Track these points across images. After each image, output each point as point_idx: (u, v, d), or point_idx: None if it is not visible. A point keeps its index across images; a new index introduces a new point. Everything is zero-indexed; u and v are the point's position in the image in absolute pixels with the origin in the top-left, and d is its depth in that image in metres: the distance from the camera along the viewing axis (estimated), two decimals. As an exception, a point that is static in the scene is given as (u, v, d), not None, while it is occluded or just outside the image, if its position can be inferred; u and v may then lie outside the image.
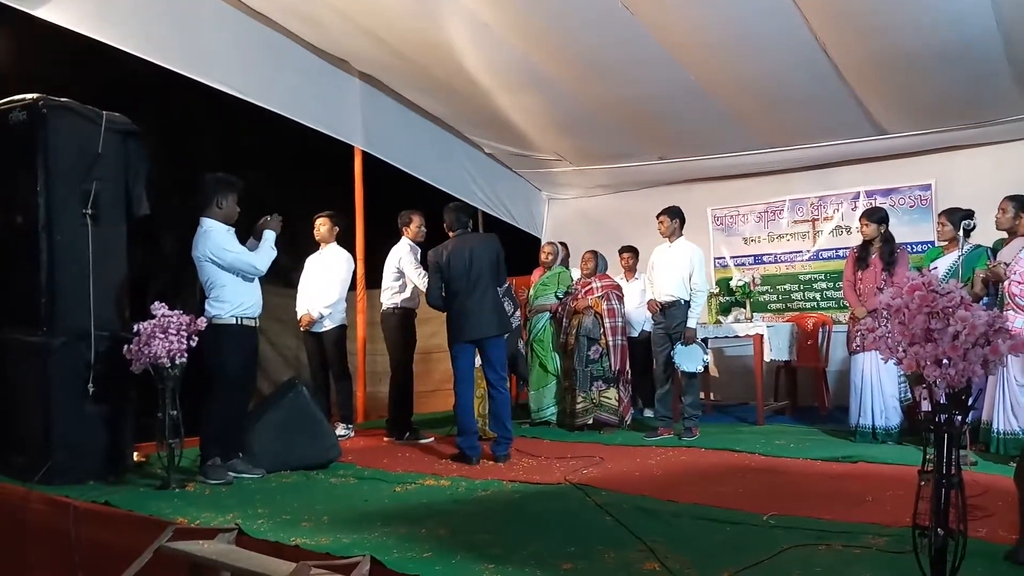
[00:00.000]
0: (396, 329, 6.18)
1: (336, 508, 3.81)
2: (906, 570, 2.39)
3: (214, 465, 4.53)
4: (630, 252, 7.46)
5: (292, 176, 8.93)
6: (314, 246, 6.55)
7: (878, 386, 5.31)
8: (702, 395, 6.72)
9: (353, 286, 6.87)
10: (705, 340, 6.70)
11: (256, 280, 4.78)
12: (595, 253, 6.73)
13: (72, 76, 6.15)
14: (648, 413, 7.15)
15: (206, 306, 4.59)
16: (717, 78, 6.23)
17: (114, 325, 4.69)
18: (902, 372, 5.06)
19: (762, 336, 6.65)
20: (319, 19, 5.94)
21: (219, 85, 5.68)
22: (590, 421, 6.32)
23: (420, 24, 5.79)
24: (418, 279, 6.02)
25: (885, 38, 5.37)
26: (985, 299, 4.90)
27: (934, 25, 5.16)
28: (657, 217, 6.06)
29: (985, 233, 5.22)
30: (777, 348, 6.81)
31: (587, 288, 6.54)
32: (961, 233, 4.91)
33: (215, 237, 4.60)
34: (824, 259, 7.87)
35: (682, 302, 5.85)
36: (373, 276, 7.00)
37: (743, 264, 8.28)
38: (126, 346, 4.36)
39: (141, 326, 4.31)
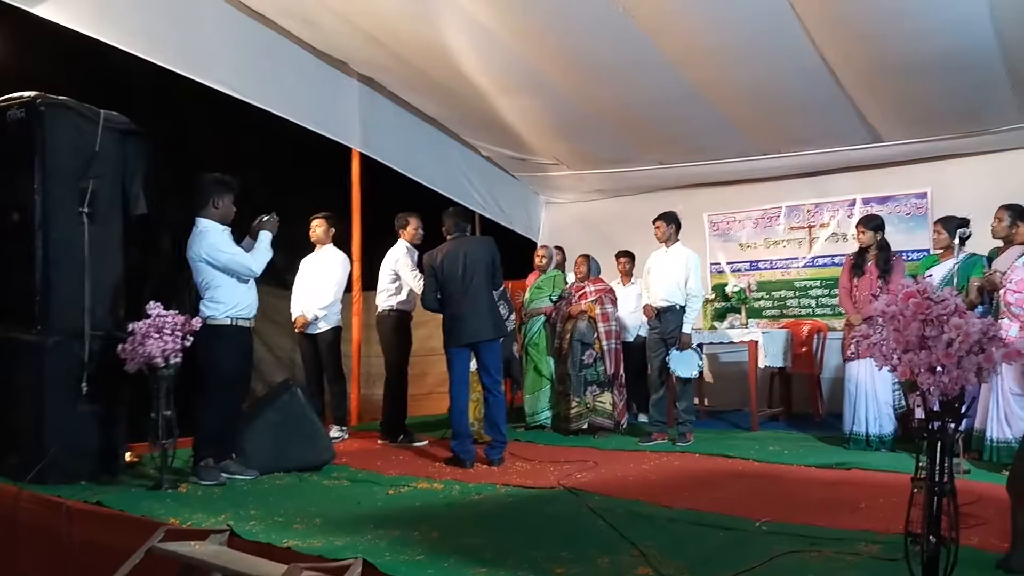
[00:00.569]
0: (392, 332, 6.17)
1: (329, 510, 3.81)
2: (898, 577, 2.39)
3: (207, 466, 4.52)
4: (627, 257, 7.46)
5: (289, 177, 8.92)
6: (310, 247, 6.54)
7: (872, 393, 5.32)
8: (696, 401, 6.72)
9: (349, 288, 6.87)
10: (700, 346, 6.71)
11: (251, 281, 4.77)
12: (587, 257, 6.74)
13: (70, 74, 6.14)
14: (643, 418, 7.15)
15: (201, 306, 4.58)
16: (715, 84, 6.25)
17: (108, 324, 4.67)
18: (896, 380, 5.07)
19: (757, 342, 6.66)
20: (318, 20, 5.94)
21: (217, 85, 5.69)
22: (585, 426, 6.32)
23: (419, 26, 5.80)
24: (414, 282, 6.02)
25: (883, 46, 5.39)
26: (980, 307, 4.91)
27: (931, 33, 5.18)
28: (653, 222, 6.08)
29: (981, 242, 5.23)
30: (772, 354, 6.82)
31: (580, 292, 6.55)
32: (957, 241, 4.93)
33: (210, 238, 4.59)
34: (820, 266, 7.89)
35: (677, 307, 5.86)
36: (369, 278, 7.00)
37: (739, 270, 8.29)
38: (120, 345, 4.35)
39: (136, 326, 4.30)
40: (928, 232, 6.71)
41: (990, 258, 5.16)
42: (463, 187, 8.24)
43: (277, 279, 7.64)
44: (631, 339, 7.06)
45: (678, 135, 7.28)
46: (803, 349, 7.42)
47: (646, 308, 6.06)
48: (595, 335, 6.36)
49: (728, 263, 8.38)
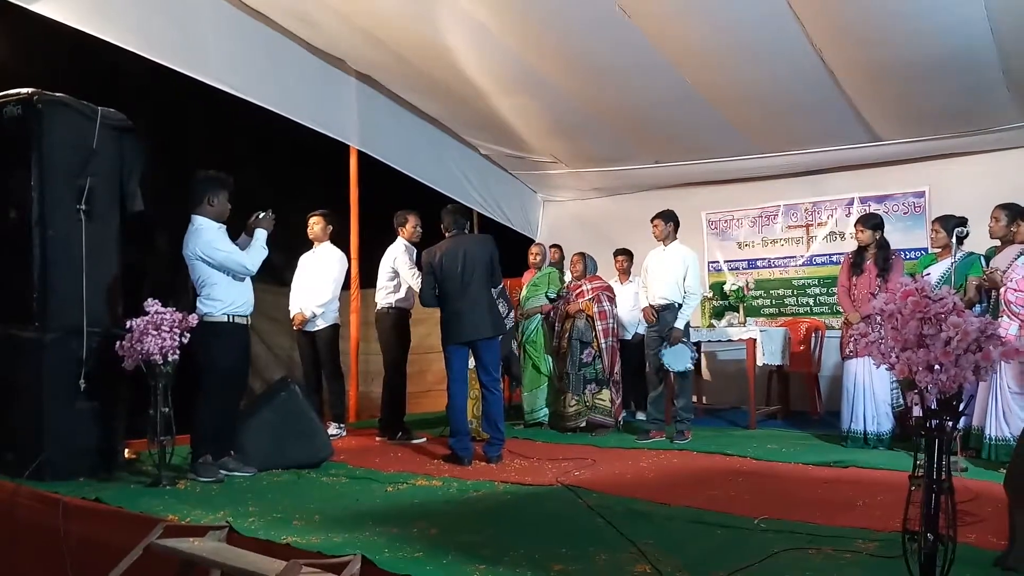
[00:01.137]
0: (391, 329, 6.17)
1: (327, 507, 3.81)
2: (896, 575, 2.39)
3: (205, 463, 4.51)
4: (624, 255, 7.46)
5: (287, 174, 8.90)
6: (308, 245, 6.54)
7: (870, 392, 5.33)
8: (694, 399, 6.73)
9: (347, 285, 6.87)
10: (697, 344, 6.73)
11: (248, 278, 4.76)
12: (583, 255, 6.74)
13: (67, 71, 6.12)
14: (640, 416, 7.15)
15: (198, 304, 4.58)
16: (713, 83, 6.25)
17: (107, 321, 4.67)
18: (894, 378, 5.07)
19: (755, 340, 6.67)
20: (316, 18, 5.94)
21: (215, 83, 5.68)
22: (583, 424, 6.33)
23: (417, 25, 5.79)
24: (412, 280, 6.02)
25: (881, 46, 5.40)
26: (978, 306, 4.92)
27: (929, 34, 5.19)
28: (651, 221, 6.08)
29: (978, 241, 5.24)
30: (770, 353, 6.83)
31: (577, 291, 6.55)
32: (954, 240, 4.94)
33: (206, 235, 4.58)
34: (818, 264, 7.90)
35: (676, 305, 5.86)
36: (367, 276, 6.99)
37: (737, 268, 8.30)
38: (118, 343, 4.35)
39: (134, 323, 4.30)
40: (926, 231, 6.73)
41: (987, 257, 5.17)
42: (461, 185, 8.24)
43: (275, 277, 7.63)
44: (629, 337, 7.06)
45: (676, 134, 7.28)
46: (801, 347, 7.43)
47: (645, 311, 6.05)
48: (593, 334, 6.36)
49: (726, 262, 8.39)
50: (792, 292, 8.05)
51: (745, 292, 7.46)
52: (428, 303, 5.33)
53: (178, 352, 4.35)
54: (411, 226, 6.28)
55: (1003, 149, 6.77)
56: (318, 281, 6.28)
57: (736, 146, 7.36)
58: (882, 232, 5.53)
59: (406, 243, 6.24)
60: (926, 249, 6.55)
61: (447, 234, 5.38)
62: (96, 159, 4.67)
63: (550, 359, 6.76)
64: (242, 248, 4.73)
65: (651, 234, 6.12)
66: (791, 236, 8.06)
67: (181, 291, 4.93)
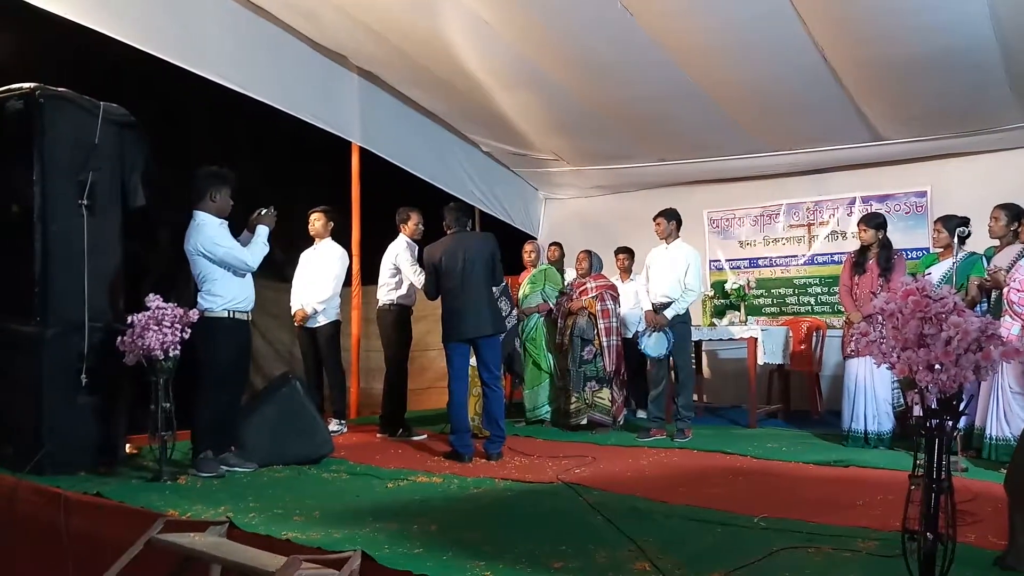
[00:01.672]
0: (392, 326, 6.18)
1: (328, 503, 3.81)
2: (895, 574, 2.40)
3: (206, 458, 4.52)
4: (626, 253, 7.47)
5: (288, 170, 8.91)
6: (309, 241, 6.54)
7: (871, 391, 5.32)
8: (695, 397, 6.73)
9: (348, 282, 6.87)
10: (698, 342, 6.73)
11: (249, 275, 4.76)
12: (589, 253, 6.74)
13: (70, 66, 6.12)
14: (641, 414, 7.15)
15: (198, 299, 4.59)
16: (716, 82, 6.24)
17: (108, 316, 4.68)
18: (895, 378, 5.07)
19: (756, 339, 6.67)
20: (318, 14, 5.94)
21: (217, 78, 5.68)
22: (584, 421, 6.33)
23: (419, 21, 5.79)
24: (414, 276, 6.02)
25: (883, 45, 5.39)
26: (979, 306, 4.92)
27: (932, 33, 5.18)
28: (654, 219, 6.07)
29: (980, 241, 5.24)
30: (771, 351, 6.83)
31: (582, 289, 6.55)
32: (956, 240, 4.94)
33: (207, 231, 4.58)
34: (819, 264, 7.90)
35: (677, 303, 5.87)
36: (368, 272, 7.00)
37: (738, 267, 8.30)
38: (120, 338, 4.36)
39: (135, 318, 4.31)
40: (928, 231, 6.72)
41: (987, 256, 5.17)
42: (462, 182, 8.25)
43: (277, 273, 7.63)
44: (631, 335, 7.06)
45: (678, 132, 7.28)
46: (802, 346, 7.43)
47: (647, 314, 6.04)
48: (595, 331, 6.36)
49: (727, 260, 8.39)
50: (793, 291, 8.05)
51: (746, 291, 7.45)
52: (433, 297, 5.34)
53: (179, 347, 4.35)
54: (413, 223, 6.28)
55: (1005, 149, 6.76)
56: (319, 277, 6.28)
57: (738, 145, 7.36)
58: (885, 232, 5.52)
59: (408, 240, 6.24)
60: (928, 249, 6.55)
61: (449, 231, 5.38)
62: (98, 154, 4.68)
63: (551, 356, 6.77)
64: (244, 244, 4.73)
65: (652, 232, 6.12)
66: (793, 235, 8.06)
67: (182, 286, 4.94)
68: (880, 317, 2.31)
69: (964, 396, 2.24)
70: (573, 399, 6.36)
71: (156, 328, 4.27)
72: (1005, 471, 2.99)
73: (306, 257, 6.51)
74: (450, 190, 7.84)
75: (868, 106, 6.35)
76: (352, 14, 5.82)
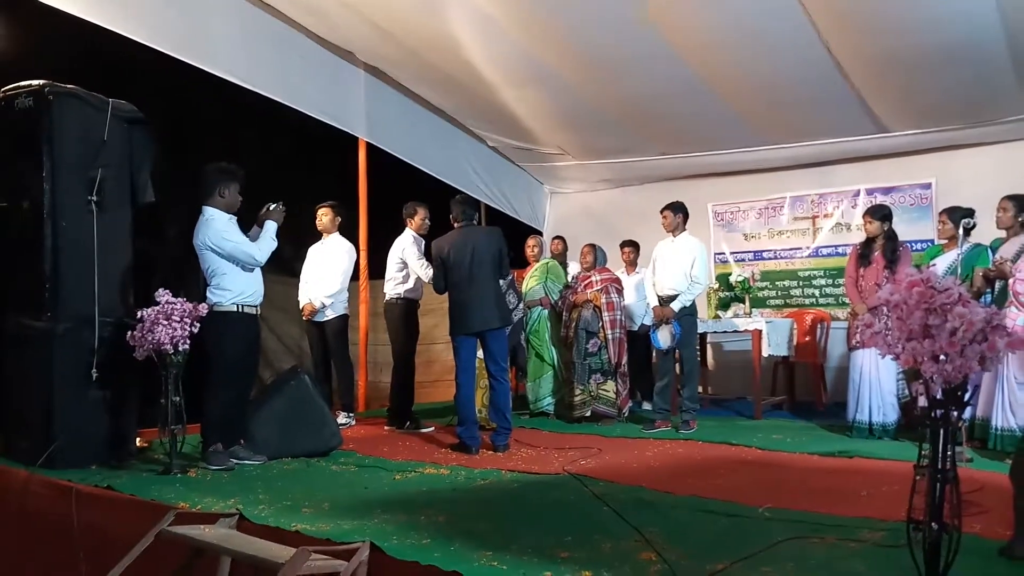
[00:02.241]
0: (399, 319, 6.21)
1: (337, 495, 3.84)
2: (900, 564, 2.41)
3: (216, 451, 4.56)
4: (631, 246, 7.48)
5: (296, 166, 8.93)
6: (317, 236, 6.57)
7: (876, 382, 5.33)
8: (700, 389, 6.74)
9: (356, 276, 6.90)
10: (704, 334, 6.73)
11: (258, 269, 4.79)
12: (594, 246, 6.75)
13: (78, 63, 6.14)
14: (646, 406, 7.18)
15: (207, 293, 4.61)
16: (720, 75, 6.24)
17: (118, 311, 4.71)
18: (900, 369, 5.08)
19: (761, 331, 6.68)
20: (324, 10, 5.95)
21: (224, 74, 5.70)
22: (588, 413, 6.35)
23: (425, 17, 5.80)
24: (421, 270, 6.05)
25: (888, 37, 5.38)
26: (984, 297, 4.92)
27: (937, 24, 5.17)
28: (660, 212, 6.08)
29: (985, 232, 5.23)
30: (776, 343, 6.84)
31: (586, 282, 6.57)
32: (961, 232, 4.93)
33: (216, 226, 4.61)
34: (824, 256, 7.90)
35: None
36: (376, 267, 7.02)
37: (743, 260, 8.30)
38: (130, 332, 4.39)
39: (145, 313, 4.33)
40: (932, 222, 6.71)
41: (993, 248, 5.16)
42: (468, 177, 8.26)
43: (285, 267, 7.66)
44: (635, 328, 7.08)
45: (683, 126, 7.28)
46: (807, 338, 7.44)
47: (655, 310, 6.05)
48: (600, 324, 6.38)
49: (732, 253, 8.39)
50: (798, 283, 8.05)
51: (751, 283, 7.46)
52: (441, 291, 5.37)
53: (189, 342, 4.39)
54: (420, 218, 6.30)
55: (1011, 140, 6.75)
56: (327, 272, 6.32)
57: (743, 138, 7.36)
58: (890, 223, 5.52)
59: (414, 234, 6.26)
60: (933, 241, 6.55)
61: (456, 225, 5.40)
62: (107, 151, 4.70)
63: (554, 349, 6.79)
64: (253, 240, 4.76)
65: (658, 225, 6.13)
66: (797, 228, 8.06)
67: (192, 281, 4.96)
68: (885, 308, 2.32)
69: (969, 386, 2.25)
70: (578, 391, 6.39)
71: (166, 323, 4.30)
72: (1010, 461, 3.00)
73: (314, 252, 6.54)
74: (456, 185, 7.85)
75: (872, 98, 6.34)
76: (359, 10, 5.83)
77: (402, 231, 6.32)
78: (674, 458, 4.89)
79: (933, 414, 2.28)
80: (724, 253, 8.41)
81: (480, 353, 5.42)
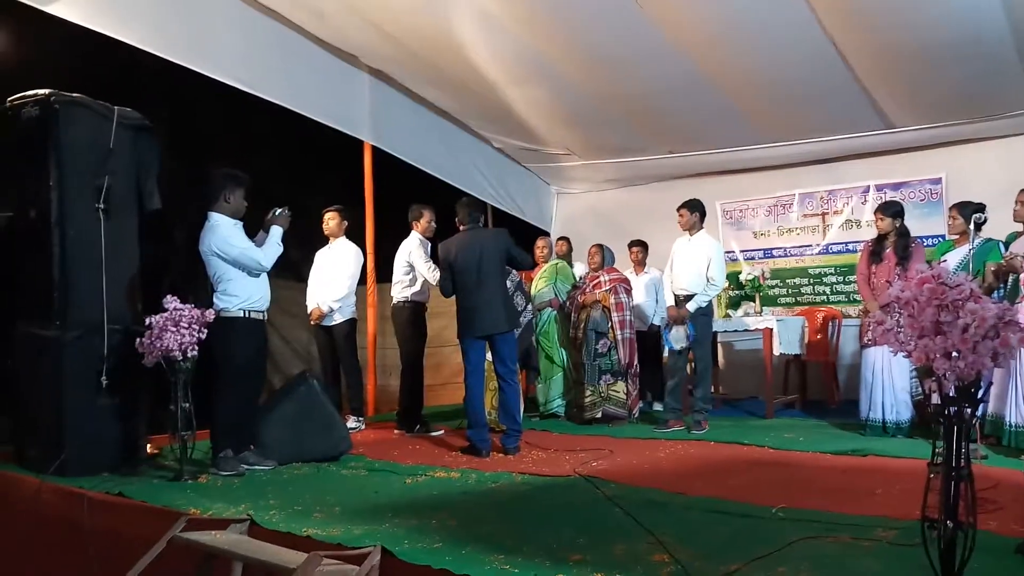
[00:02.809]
0: (407, 323, 6.20)
1: (347, 499, 3.84)
2: (915, 563, 2.39)
3: (226, 457, 4.56)
4: (639, 246, 7.46)
5: (302, 170, 8.96)
6: (324, 240, 6.58)
7: (889, 380, 5.30)
8: (711, 389, 6.72)
9: (363, 280, 6.90)
10: (714, 334, 6.70)
11: (264, 274, 4.80)
12: (601, 247, 6.74)
13: (84, 71, 6.18)
14: (657, 407, 7.16)
15: (214, 299, 4.62)
16: (726, 72, 6.22)
17: (126, 319, 4.72)
18: (913, 367, 5.04)
19: (772, 330, 6.65)
20: (328, 14, 5.96)
21: (229, 80, 5.72)
22: (598, 415, 6.34)
23: (428, 18, 5.80)
24: (428, 273, 6.04)
25: (894, 32, 5.35)
26: (995, 293, 4.88)
27: (943, 18, 5.14)
28: (677, 210, 6.04)
29: (996, 227, 5.19)
30: (787, 342, 6.81)
31: (595, 282, 6.56)
32: (972, 227, 4.88)
33: (221, 231, 4.62)
34: (834, 253, 7.86)
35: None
36: (383, 270, 7.03)
37: (753, 258, 8.27)
38: (138, 339, 4.40)
39: (153, 319, 4.34)
40: (943, 218, 6.67)
41: (1007, 242, 5.13)
42: (475, 179, 8.26)
43: (292, 272, 7.68)
44: (645, 328, 7.06)
45: (690, 124, 7.26)
46: (818, 336, 7.40)
47: (670, 310, 6.02)
48: (609, 324, 6.36)
49: (742, 251, 8.36)
50: (808, 281, 8.01)
51: (761, 282, 7.43)
52: (449, 294, 5.35)
53: (197, 348, 4.39)
54: (425, 220, 6.30)
55: (1020, 134, 6.70)
56: (335, 276, 6.32)
57: (750, 135, 7.33)
58: (902, 220, 5.49)
59: (420, 237, 6.26)
60: (943, 236, 6.50)
61: (462, 227, 5.39)
62: (113, 158, 4.72)
63: (563, 350, 6.77)
64: (259, 245, 4.77)
65: (665, 225, 6.11)
66: (807, 225, 8.03)
67: (199, 287, 4.98)
68: (896, 305, 2.30)
69: (982, 383, 2.23)
70: (588, 392, 6.37)
71: (174, 329, 4.30)
72: (1025, 458, 2.98)
73: (321, 256, 6.55)
74: (462, 186, 7.85)
75: (880, 94, 6.31)
76: (362, 13, 5.83)
77: (408, 234, 6.32)
78: (686, 459, 4.87)
79: (946, 411, 2.26)
80: (734, 251, 8.38)
81: (489, 355, 5.41)
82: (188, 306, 4.40)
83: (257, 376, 4.89)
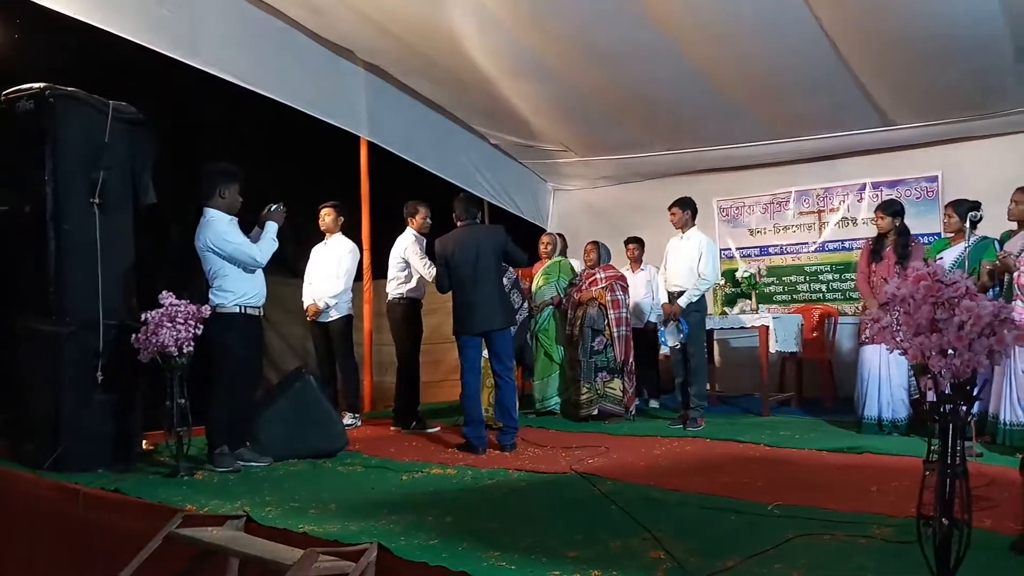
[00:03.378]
0: (402, 319, 6.19)
1: (343, 496, 3.84)
2: (911, 560, 2.39)
3: (222, 453, 4.56)
4: (635, 243, 7.46)
5: (298, 166, 8.93)
6: (320, 236, 6.57)
7: (886, 378, 5.30)
8: (707, 386, 6.72)
9: (359, 276, 6.89)
10: (710, 331, 6.71)
11: (260, 270, 4.79)
12: (597, 244, 6.73)
13: (79, 65, 6.15)
14: (653, 404, 7.17)
15: (210, 295, 4.62)
16: (723, 69, 6.22)
17: (122, 314, 4.71)
18: (910, 364, 5.05)
19: (768, 327, 6.65)
20: (323, 8, 5.94)
21: (223, 74, 5.69)
22: (595, 412, 6.34)
23: (424, 12, 5.78)
24: (424, 269, 6.04)
25: (892, 29, 5.36)
26: (991, 291, 4.89)
27: (940, 16, 5.15)
28: (669, 208, 6.05)
29: (992, 225, 5.20)
30: (783, 339, 6.82)
31: (591, 279, 6.55)
32: (968, 224, 4.90)
33: (216, 227, 4.61)
34: (830, 250, 7.87)
35: (693, 293, 5.87)
36: (379, 266, 7.02)
37: (748, 255, 8.28)
38: (134, 335, 4.38)
39: (149, 315, 4.33)
40: (939, 216, 6.68)
41: (1002, 241, 5.14)
42: (471, 175, 8.24)
43: (288, 268, 7.66)
44: (642, 325, 7.06)
45: (686, 120, 7.25)
46: (814, 334, 7.42)
47: (664, 307, 6.03)
48: (605, 322, 6.36)
49: (738, 248, 8.37)
50: (805, 278, 8.02)
51: (757, 279, 7.44)
52: (445, 290, 5.35)
53: (193, 344, 4.38)
54: (421, 217, 6.29)
55: (1016, 132, 6.71)
56: (331, 272, 6.31)
57: (747, 132, 7.33)
58: (902, 219, 5.49)
59: (415, 233, 6.25)
60: (939, 234, 6.51)
61: (458, 223, 5.38)
62: (108, 153, 4.69)
63: (562, 348, 6.77)
64: (254, 241, 4.75)
65: (662, 222, 6.11)
66: (803, 222, 8.03)
67: (195, 283, 4.97)
68: (891, 303, 2.30)
69: (978, 381, 2.24)
70: (584, 390, 6.37)
71: (170, 325, 4.29)
72: (1020, 456, 2.99)
73: (317, 252, 6.54)
74: (458, 182, 7.84)
75: (877, 91, 6.31)
76: (357, 7, 5.81)
77: (404, 230, 6.31)
78: (682, 456, 4.88)
79: (942, 409, 2.26)
80: (730, 248, 8.38)
81: (485, 352, 5.41)
82: (184, 302, 4.39)
83: (253, 372, 4.89)
